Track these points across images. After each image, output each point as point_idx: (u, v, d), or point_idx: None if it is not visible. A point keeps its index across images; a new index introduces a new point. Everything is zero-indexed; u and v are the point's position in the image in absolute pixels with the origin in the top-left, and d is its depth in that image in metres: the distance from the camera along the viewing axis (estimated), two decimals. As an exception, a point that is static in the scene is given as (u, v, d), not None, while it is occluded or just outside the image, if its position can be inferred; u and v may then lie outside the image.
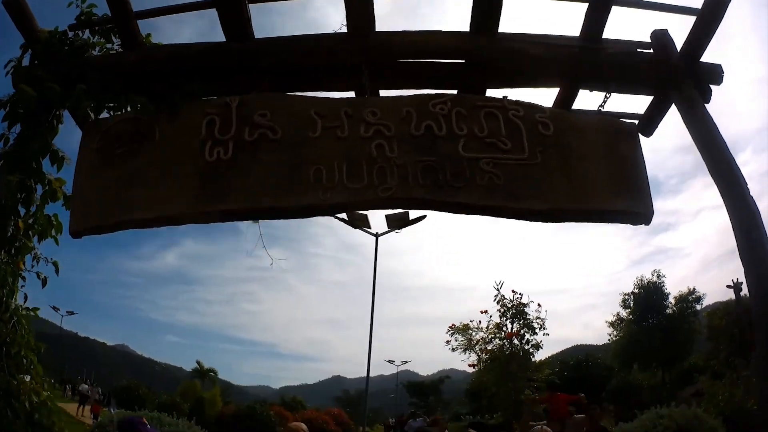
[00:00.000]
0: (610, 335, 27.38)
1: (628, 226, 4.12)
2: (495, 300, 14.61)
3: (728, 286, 14.90)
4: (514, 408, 13.47)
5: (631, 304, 26.92)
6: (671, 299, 26.66)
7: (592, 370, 24.20)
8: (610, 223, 4.13)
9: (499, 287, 14.53)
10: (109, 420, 5.83)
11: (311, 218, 4.07)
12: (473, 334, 21.73)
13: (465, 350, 21.96)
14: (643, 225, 4.02)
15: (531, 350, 14.09)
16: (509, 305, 14.43)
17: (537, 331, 14.21)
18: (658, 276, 26.99)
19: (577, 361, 25.98)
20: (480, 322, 21.46)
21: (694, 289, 26.43)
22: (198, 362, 42.55)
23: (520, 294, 14.52)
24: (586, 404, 8.62)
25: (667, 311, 26.20)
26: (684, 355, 25.58)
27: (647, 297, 26.26)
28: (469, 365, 20.52)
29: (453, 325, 22.10)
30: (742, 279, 3.49)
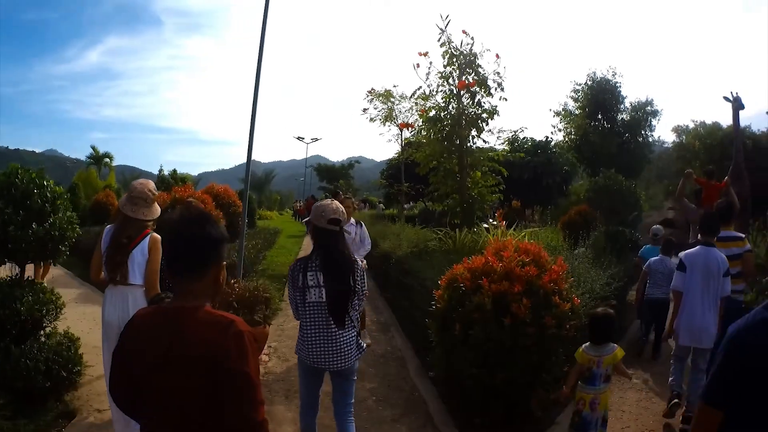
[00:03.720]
0: (554, 126, 23.86)
1: None
2: (438, 42, 10.29)
3: (726, 98, 11.37)
4: (462, 198, 10.06)
5: (581, 98, 22.98)
6: (627, 104, 23.16)
7: (556, 167, 20.62)
8: None
9: (444, 25, 10.20)
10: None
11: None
12: (395, 103, 18.25)
13: (384, 122, 18.42)
14: None
15: (485, 116, 10.26)
16: (456, 52, 10.23)
17: (493, 91, 10.23)
18: (614, 74, 23.07)
19: (534, 151, 21.86)
20: (403, 95, 17.62)
21: (652, 100, 23.11)
22: (92, 147, 37.77)
23: (471, 38, 10.31)
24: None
25: (622, 116, 22.92)
26: (641, 170, 22.70)
27: (599, 94, 22.42)
28: (401, 126, 16.94)
29: (372, 89, 17.86)
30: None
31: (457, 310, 4.51)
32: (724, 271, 4.74)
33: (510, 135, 10.55)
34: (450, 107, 10.16)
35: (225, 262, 1.90)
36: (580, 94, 23.17)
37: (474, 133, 10.15)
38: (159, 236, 3.89)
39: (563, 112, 23.60)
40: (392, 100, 17.50)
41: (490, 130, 10.29)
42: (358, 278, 3.47)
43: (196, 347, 1.64)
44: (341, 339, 3.42)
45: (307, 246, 18.03)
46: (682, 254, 5.00)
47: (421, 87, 10.26)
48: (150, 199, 4.00)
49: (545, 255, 5.01)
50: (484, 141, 10.36)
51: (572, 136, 23.24)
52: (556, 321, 4.28)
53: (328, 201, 3.65)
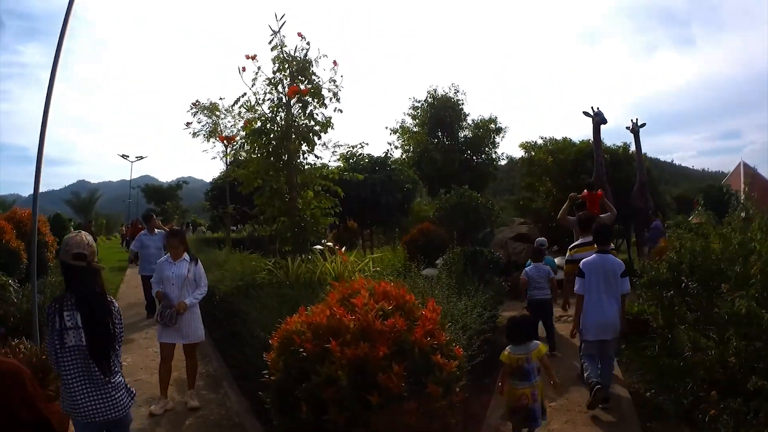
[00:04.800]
0: (390, 144, 23.47)
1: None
2: (269, 44, 8.88)
3: (586, 113, 11.71)
4: (292, 221, 8.69)
5: (420, 115, 22.94)
6: (470, 121, 23.56)
7: (397, 185, 19.48)
8: None
9: (278, 27, 8.82)
10: None
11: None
12: (221, 117, 16.46)
13: (209, 137, 16.59)
14: None
15: (318, 129, 8.95)
16: (289, 57, 8.88)
17: (327, 101, 9.00)
18: (457, 92, 23.41)
19: (372, 168, 20.45)
20: (230, 108, 16.03)
21: (496, 117, 23.73)
22: None
23: (307, 43, 9.02)
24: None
25: (464, 133, 23.22)
26: (484, 186, 22.94)
27: (440, 111, 22.58)
28: (220, 138, 14.98)
29: (197, 102, 16.08)
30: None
31: (300, 385, 3.20)
32: (621, 272, 5.36)
33: (347, 150, 9.38)
34: (278, 118, 8.87)
35: None
36: (419, 111, 23.28)
37: (305, 147, 8.95)
38: None
39: (401, 129, 23.50)
40: (218, 113, 15.93)
41: (324, 144, 9.14)
42: (117, 321, 3.22)
43: None
44: (110, 385, 3.12)
45: (130, 278, 15.59)
46: (581, 263, 5.55)
47: (245, 94, 8.77)
48: None
49: (411, 297, 3.84)
50: (316, 156, 9.18)
51: (411, 153, 23.17)
52: (443, 387, 3.17)
53: (75, 233, 3.29)
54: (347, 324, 3.34)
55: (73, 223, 23.08)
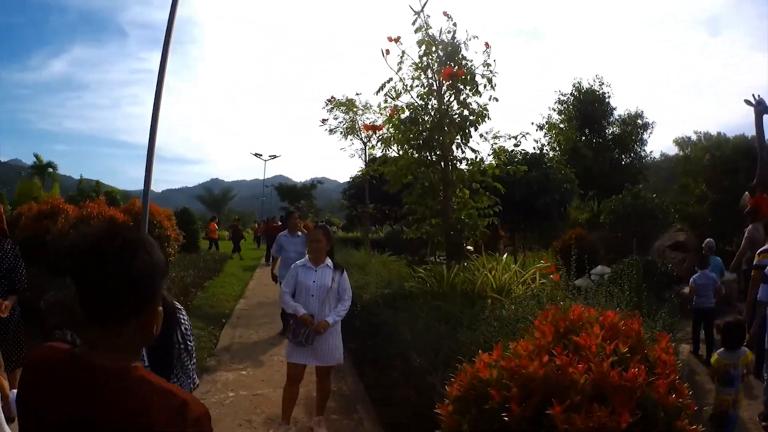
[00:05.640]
0: (537, 141, 21.88)
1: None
2: (413, 26, 8.02)
3: (748, 102, 9.84)
4: (446, 222, 7.59)
5: (570, 108, 21.37)
6: (616, 116, 21.44)
7: (554, 184, 17.95)
8: None
9: (421, 7, 7.92)
10: None
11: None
12: (359, 113, 16.06)
13: (346, 135, 16.32)
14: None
15: (474, 119, 7.92)
16: (436, 39, 7.94)
17: (481, 89, 7.97)
18: (601, 84, 21.41)
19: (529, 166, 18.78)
20: (367, 104, 15.50)
21: (642, 112, 21.40)
22: (36, 155, 35.07)
23: (454, 24, 8.03)
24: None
25: (612, 130, 21.21)
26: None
27: (586, 105, 20.89)
28: (365, 128, 14.38)
29: (333, 98, 15.78)
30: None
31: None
32: None
33: (507, 140, 8.18)
34: (429, 106, 7.89)
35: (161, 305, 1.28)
36: (564, 105, 21.55)
37: (459, 140, 7.88)
38: None
39: (548, 125, 21.81)
40: (355, 109, 15.50)
41: (482, 135, 8.02)
42: (187, 334, 2.75)
43: None
44: None
45: (260, 277, 15.28)
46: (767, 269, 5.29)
47: (391, 79, 7.88)
48: None
49: (641, 331, 2.63)
50: (472, 150, 8.07)
51: (558, 152, 21.42)
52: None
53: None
54: (575, 378, 2.19)
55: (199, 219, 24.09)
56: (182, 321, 2.76)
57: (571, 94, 21.84)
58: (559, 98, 22.11)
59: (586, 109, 21.02)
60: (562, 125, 21.83)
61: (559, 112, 22.06)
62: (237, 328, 8.53)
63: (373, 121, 15.24)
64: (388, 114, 8.15)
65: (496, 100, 7.78)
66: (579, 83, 21.74)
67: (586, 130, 21.35)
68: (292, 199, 39.95)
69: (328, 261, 4.68)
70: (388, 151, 9.21)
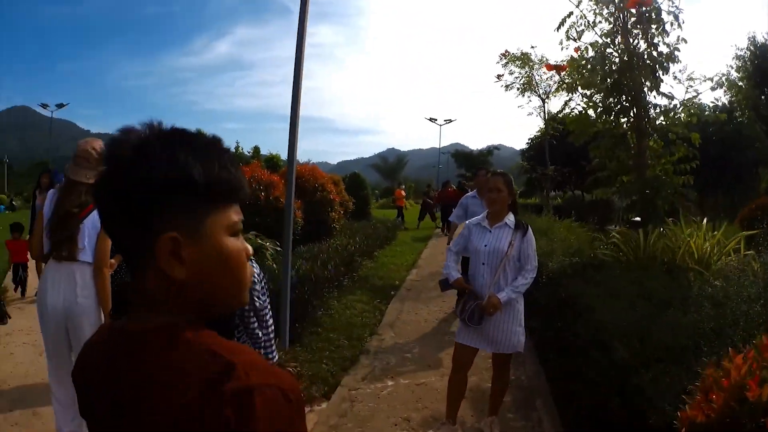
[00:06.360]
0: (717, 101, 19.32)
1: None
2: None
3: None
4: (642, 185, 6.43)
5: (748, 65, 18.37)
6: None
7: (746, 142, 15.56)
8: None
9: None
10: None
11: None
12: (534, 67, 14.89)
13: (522, 91, 15.32)
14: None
15: (663, 60, 6.67)
16: None
17: (668, 27, 6.69)
18: None
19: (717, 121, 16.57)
20: (543, 58, 14.26)
21: None
22: (256, 148, 38.98)
23: None
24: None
25: None
26: None
27: (762, 62, 18.05)
28: (548, 68, 13.13)
29: (506, 52, 14.83)
30: None
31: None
32: None
33: (704, 82, 6.85)
34: (616, 44, 6.78)
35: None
36: (742, 60, 18.76)
37: (649, 83, 6.67)
38: None
39: (727, 82, 18.67)
40: (531, 64, 14.42)
41: (675, 77, 6.71)
42: (255, 292, 2.35)
43: (163, 414, 0.74)
44: None
45: (435, 245, 14.52)
46: None
47: (571, 13, 6.91)
48: (94, 160, 3.29)
49: None
50: (664, 95, 6.77)
51: (738, 112, 18.80)
52: None
53: None
54: None
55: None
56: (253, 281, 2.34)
57: (747, 48, 19.04)
58: (735, 53, 19.38)
59: (762, 65, 17.94)
60: (740, 83, 18.99)
61: (737, 69, 19.25)
62: (405, 302, 7.77)
63: (549, 77, 14.05)
64: (571, 54, 7.23)
65: (685, 41, 6.51)
66: (753, 37, 18.81)
67: (765, 89, 18.19)
68: (469, 165, 39.64)
69: (509, 218, 3.63)
70: (571, 98, 8.21)
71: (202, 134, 0.85)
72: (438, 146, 52.02)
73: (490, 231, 3.63)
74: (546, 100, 14.46)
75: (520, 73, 14.49)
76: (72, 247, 3.20)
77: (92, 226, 3.26)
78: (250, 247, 0.88)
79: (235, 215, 0.84)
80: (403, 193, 22.58)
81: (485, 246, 3.59)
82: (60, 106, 56.70)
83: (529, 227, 3.65)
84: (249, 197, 0.84)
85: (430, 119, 46.25)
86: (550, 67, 12.03)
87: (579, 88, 7.33)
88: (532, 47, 14.81)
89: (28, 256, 7.01)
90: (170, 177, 0.77)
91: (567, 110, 9.52)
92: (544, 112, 14.71)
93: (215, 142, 0.85)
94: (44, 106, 55.72)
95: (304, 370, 4.52)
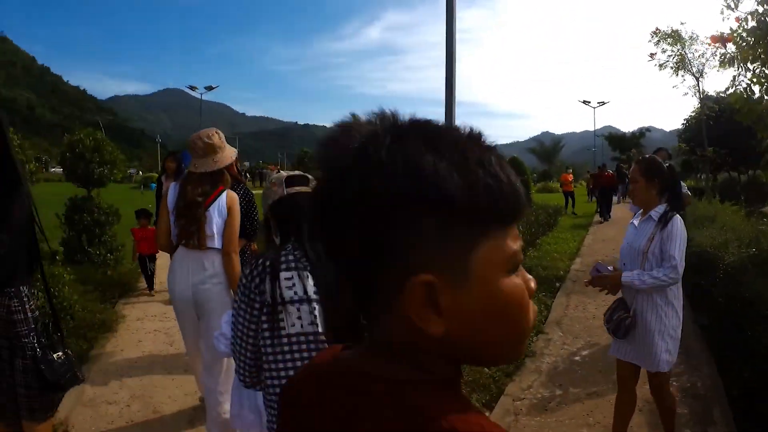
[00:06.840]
0: None
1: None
2: None
3: None
4: None
5: None
6: None
7: None
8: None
9: None
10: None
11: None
12: (687, 44, 14.05)
13: (676, 70, 14.46)
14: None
15: None
16: None
17: None
18: None
19: None
20: (693, 34, 13.36)
21: None
22: (353, 116, 41.63)
23: None
24: None
25: None
26: None
27: None
28: (713, 40, 12.20)
29: (657, 29, 14.11)
30: None
31: None
32: None
33: None
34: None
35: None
36: None
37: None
38: (235, 194, 3.37)
39: None
40: (682, 41, 13.69)
41: None
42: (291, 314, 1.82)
43: None
44: None
45: (595, 232, 13.52)
46: None
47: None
48: (200, 149, 3.25)
49: None
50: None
51: None
52: None
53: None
54: None
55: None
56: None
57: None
58: None
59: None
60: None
61: None
62: (572, 296, 7.03)
63: (701, 54, 13.15)
64: (731, 25, 6.92)
65: None
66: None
67: None
68: (622, 148, 37.95)
69: (658, 209, 2.99)
70: (739, 73, 7.82)
71: (455, 129, 0.59)
72: (592, 129, 50.02)
73: (636, 226, 3.13)
74: (700, 79, 13.61)
75: (672, 51, 13.80)
76: (201, 235, 3.22)
77: (218, 214, 3.27)
78: (533, 282, 0.61)
79: (513, 242, 0.57)
80: (571, 177, 20.54)
81: (628, 243, 3.14)
82: (209, 88, 59.33)
83: (676, 218, 2.93)
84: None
85: (584, 102, 44.59)
86: (715, 39, 11.16)
87: (745, 62, 6.95)
88: (682, 23, 13.95)
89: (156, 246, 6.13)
90: (413, 192, 0.52)
91: (732, 89, 8.96)
92: (699, 92, 13.81)
93: (476, 138, 0.59)
94: (192, 88, 59.07)
95: (467, 377, 4.07)
